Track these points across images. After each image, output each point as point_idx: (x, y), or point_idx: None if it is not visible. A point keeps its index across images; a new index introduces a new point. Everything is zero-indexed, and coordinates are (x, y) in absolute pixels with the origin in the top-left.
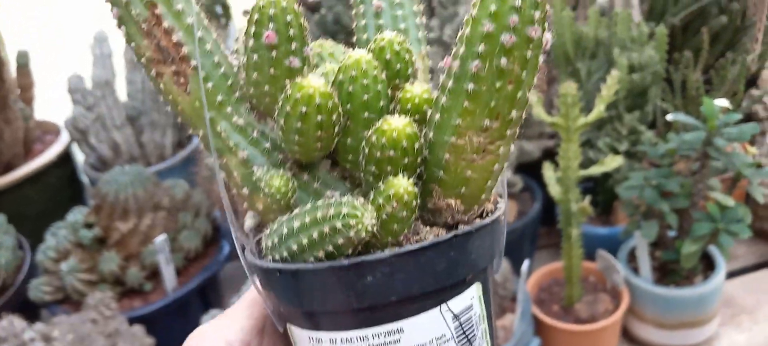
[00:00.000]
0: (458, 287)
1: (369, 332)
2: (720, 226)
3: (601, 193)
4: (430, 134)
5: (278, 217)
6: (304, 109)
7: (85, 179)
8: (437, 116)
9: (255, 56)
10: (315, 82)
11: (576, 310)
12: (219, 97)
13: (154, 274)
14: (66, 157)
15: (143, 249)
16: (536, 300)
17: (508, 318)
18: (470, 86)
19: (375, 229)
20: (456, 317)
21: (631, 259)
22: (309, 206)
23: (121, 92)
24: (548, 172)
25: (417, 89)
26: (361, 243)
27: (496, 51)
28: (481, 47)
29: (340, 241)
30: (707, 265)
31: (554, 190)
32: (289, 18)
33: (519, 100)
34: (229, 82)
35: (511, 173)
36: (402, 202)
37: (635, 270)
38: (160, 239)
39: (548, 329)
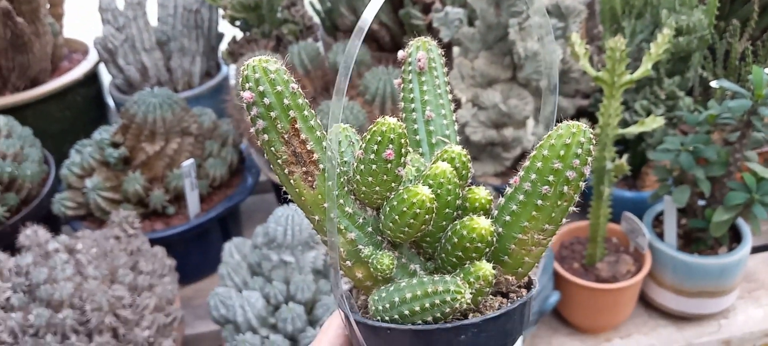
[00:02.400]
0: (515, 339)
1: None
2: (755, 197)
3: (631, 156)
4: (499, 229)
5: (377, 285)
6: (418, 210)
7: (110, 100)
8: (507, 218)
9: (374, 166)
10: (426, 191)
11: (597, 269)
12: (335, 192)
13: (177, 198)
14: (93, 77)
15: (168, 173)
16: (558, 256)
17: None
18: (539, 202)
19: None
20: None
21: (656, 224)
22: (415, 280)
23: (152, 15)
24: None
25: (482, 192)
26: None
27: (560, 181)
28: (551, 177)
29: (447, 310)
30: (732, 237)
31: None
32: (402, 141)
33: (568, 212)
34: (342, 179)
35: (544, 130)
36: (487, 281)
37: (659, 235)
38: (187, 163)
39: (568, 285)
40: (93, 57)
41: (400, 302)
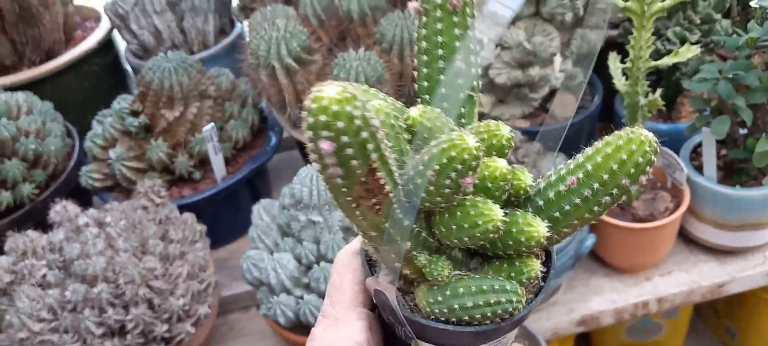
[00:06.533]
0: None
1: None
2: None
3: (666, 86)
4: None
5: (425, 281)
6: (492, 235)
7: (128, 66)
8: (557, 214)
9: (446, 190)
10: (500, 214)
11: (634, 208)
12: (413, 227)
13: (202, 163)
14: (108, 45)
15: (191, 138)
16: None
17: None
18: (596, 208)
19: None
20: None
21: (694, 157)
22: (474, 288)
23: None
24: (613, 63)
25: (527, 179)
26: None
27: (621, 193)
28: (614, 191)
29: (506, 316)
30: None
31: (619, 82)
32: (479, 163)
33: None
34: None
35: (572, 66)
36: (537, 278)
37: (698, 168)
38: (208, 126)
39: (605, 227)
40: (105, 24)
41: (461, 308)
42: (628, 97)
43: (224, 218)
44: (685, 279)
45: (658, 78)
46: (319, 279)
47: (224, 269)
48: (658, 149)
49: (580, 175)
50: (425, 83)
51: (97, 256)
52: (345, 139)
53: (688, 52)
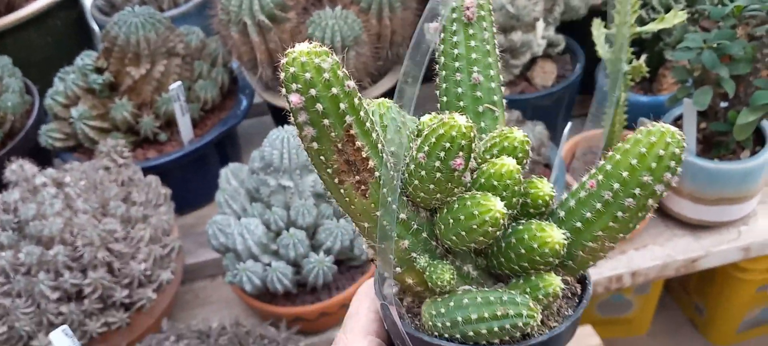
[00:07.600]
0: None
1: None
2: None
3: (647, 57)
4: (567, 234)
5: (430, 293)
6: (490, 228)
7: (93, 24)
8: (579, 224)
9: (438, 175)
10: (500, 206)
11: None
12: (389, 199)
13: (169, 124)
14: None
15: (157, 97)
16: (569, 168)
17: None
18: (620, 214)
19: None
20: None
21: None
22: (480, 299)
23: None
24: (597, 30)
25: (546, 188)
26: None
27: (647, 195)
28: (637, 191)
29: (517, 334)
30: (755, 140)
31: (602, 49)
32: (473, 145)
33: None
34: (394, 182)
35: (554, 32)
36: (556, 295)
37: None
38: (175, 85)
39: None
40: None
41: (464, 322)
42: (610, 64)
43: (192, 182)
44: (660, 253)
45: (641, 50)
46: (288, 246)
47: (191, 236)
48: (685, 144)
49: (600, 177)
50: (444, 99)
51: (54, 217)
52: (313, 91)
53: (675, 18)
